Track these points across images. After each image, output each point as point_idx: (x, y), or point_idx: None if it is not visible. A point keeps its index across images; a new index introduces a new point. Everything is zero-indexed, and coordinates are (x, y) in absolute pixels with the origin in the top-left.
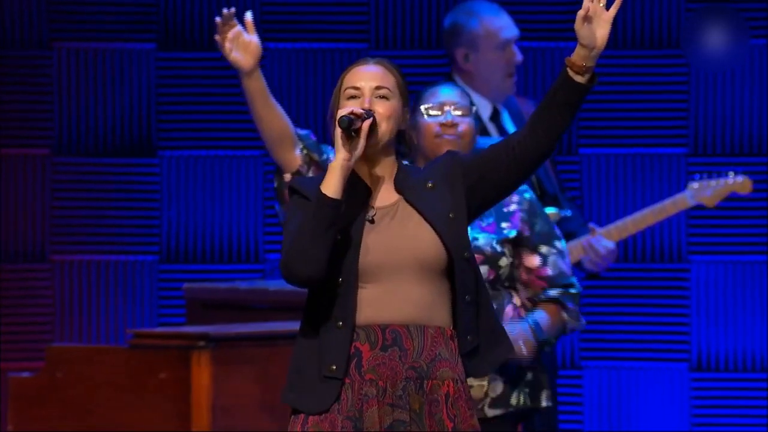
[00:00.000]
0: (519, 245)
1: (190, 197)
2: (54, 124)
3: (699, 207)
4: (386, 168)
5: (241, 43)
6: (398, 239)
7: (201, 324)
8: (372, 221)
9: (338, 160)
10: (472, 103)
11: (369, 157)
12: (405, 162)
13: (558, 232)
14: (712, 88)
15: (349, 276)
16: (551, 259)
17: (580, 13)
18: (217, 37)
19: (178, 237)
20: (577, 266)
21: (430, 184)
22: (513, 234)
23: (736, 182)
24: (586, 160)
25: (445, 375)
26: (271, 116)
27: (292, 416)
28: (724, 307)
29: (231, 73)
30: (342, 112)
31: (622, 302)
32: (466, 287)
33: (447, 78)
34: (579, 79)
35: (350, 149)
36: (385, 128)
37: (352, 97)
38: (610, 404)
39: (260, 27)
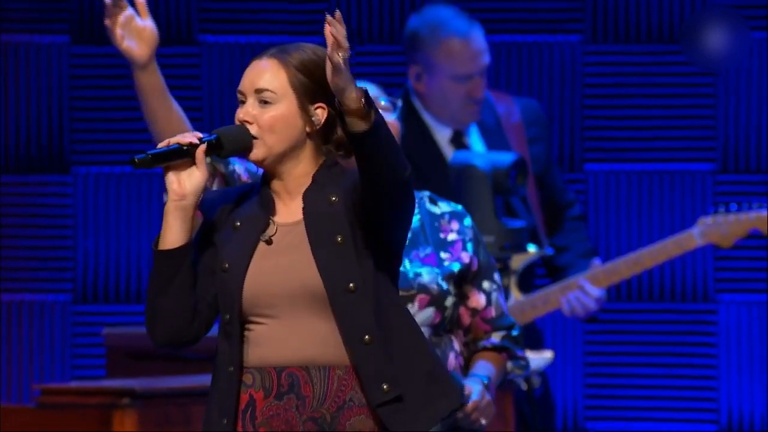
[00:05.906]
0: (464, 282)
1: (112, 223)
2: None
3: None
4: (297, 179)
5: (134, 29)
6: (288, 265)
7: (124, 377)
8: (269, 242)
9: (168, 201)
10: (396, 103)
11: (273, 170)
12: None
13: (493, 260)
14: (744, 91)
15: (233, 310)
16: (494, 296)
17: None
18: (107, 22)
19: (97, 272)
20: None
21: (333, 198)
22: (457, 268)
23: (759, 217)
24: (593, 178)
25: (357, 426)
26: (168, 117)
27: None
28: (760, 355)
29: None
30: (162, 143)
31: (635, 350)
32: (358, 325)
33: (403, 91)
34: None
35: (180, 187)
36: (271, 140)
37: (241, 102)
38: None
39: (199, 16)
